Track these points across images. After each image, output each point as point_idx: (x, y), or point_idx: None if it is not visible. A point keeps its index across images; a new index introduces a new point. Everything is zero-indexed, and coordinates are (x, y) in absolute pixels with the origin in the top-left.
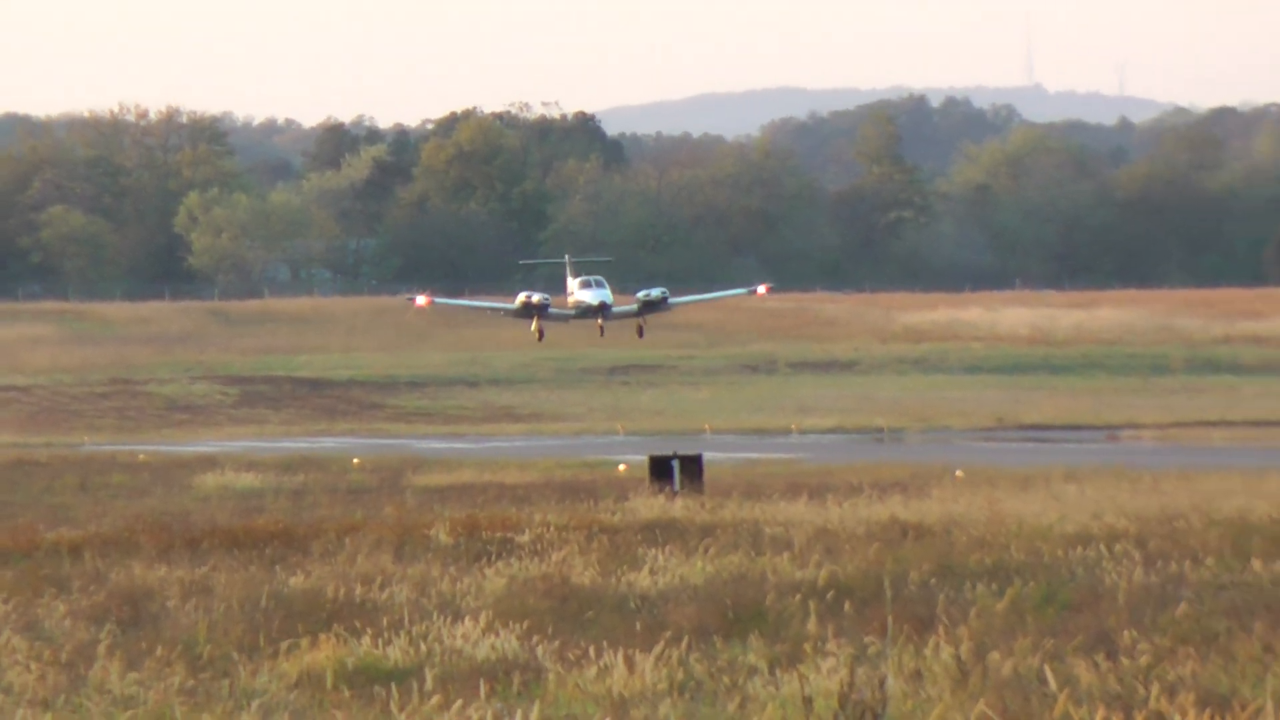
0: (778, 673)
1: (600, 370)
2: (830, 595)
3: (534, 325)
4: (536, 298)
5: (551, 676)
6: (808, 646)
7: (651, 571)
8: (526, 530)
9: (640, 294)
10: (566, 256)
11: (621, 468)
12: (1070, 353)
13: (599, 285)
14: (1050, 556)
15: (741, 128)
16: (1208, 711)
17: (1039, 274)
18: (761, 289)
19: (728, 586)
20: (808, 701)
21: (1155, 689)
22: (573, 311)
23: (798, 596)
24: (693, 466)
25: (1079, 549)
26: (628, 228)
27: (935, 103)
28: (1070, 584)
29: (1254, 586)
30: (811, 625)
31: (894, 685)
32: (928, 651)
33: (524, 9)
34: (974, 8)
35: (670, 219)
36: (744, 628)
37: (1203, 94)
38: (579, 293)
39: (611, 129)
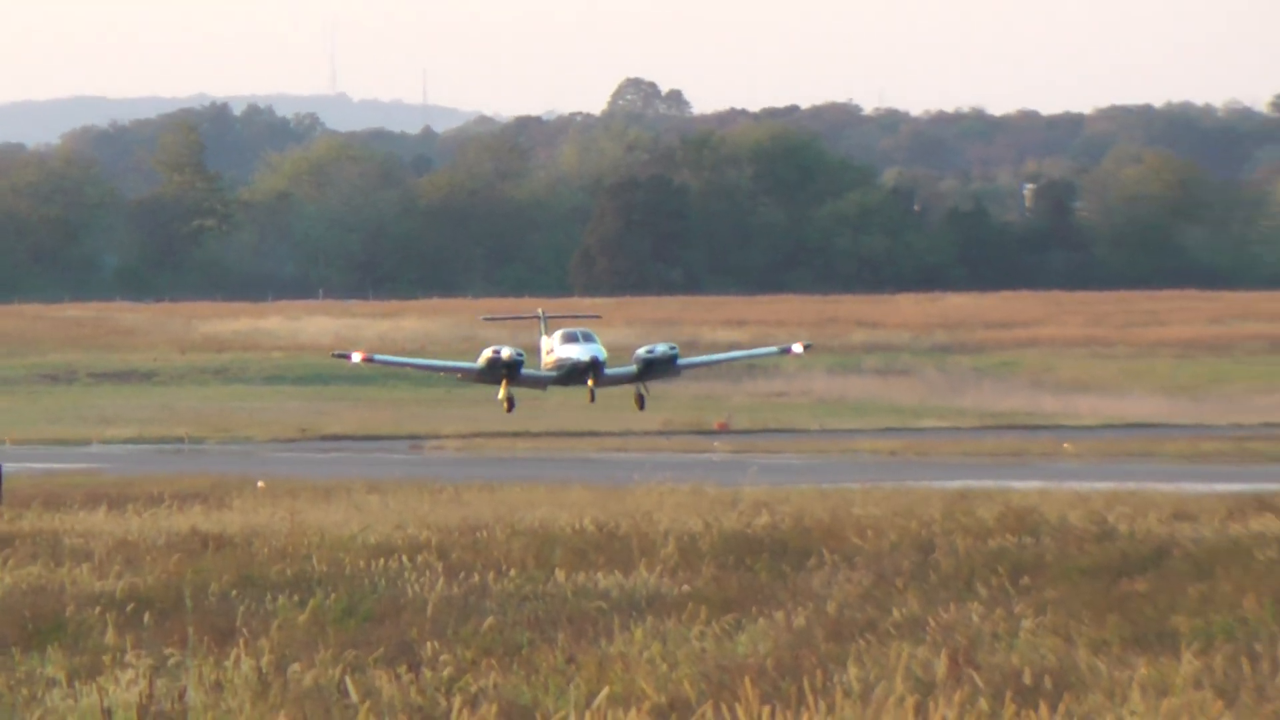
0: (77, 684)
1: None
2: (130, 607)
3: (502, 392)
4: (506, 353)
5: None
6: (107, 658)
7: None
8: None
9: (641, 351)
10: (540, 311)
11: None
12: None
13: (588, 339)
14: (352, 567)
15: (43, 136)
16: None
17: (343, 283)
18: (797, 347)
19: (26, 598)
20: (107, 713)
21: (458, 701)
22: (554, 373)
23: (97, 608)
24: None
25: (381, 560)
26: None
27: (238, 111)
28: (372, 595)
29: (557, 597)
30: (110, 637)
31: (194, 697)
32: (229, 663)
33: None
34: (276, 15)
35: None
36: (43, 639)
37: (507, 103)
38: (562, 348)
39: None
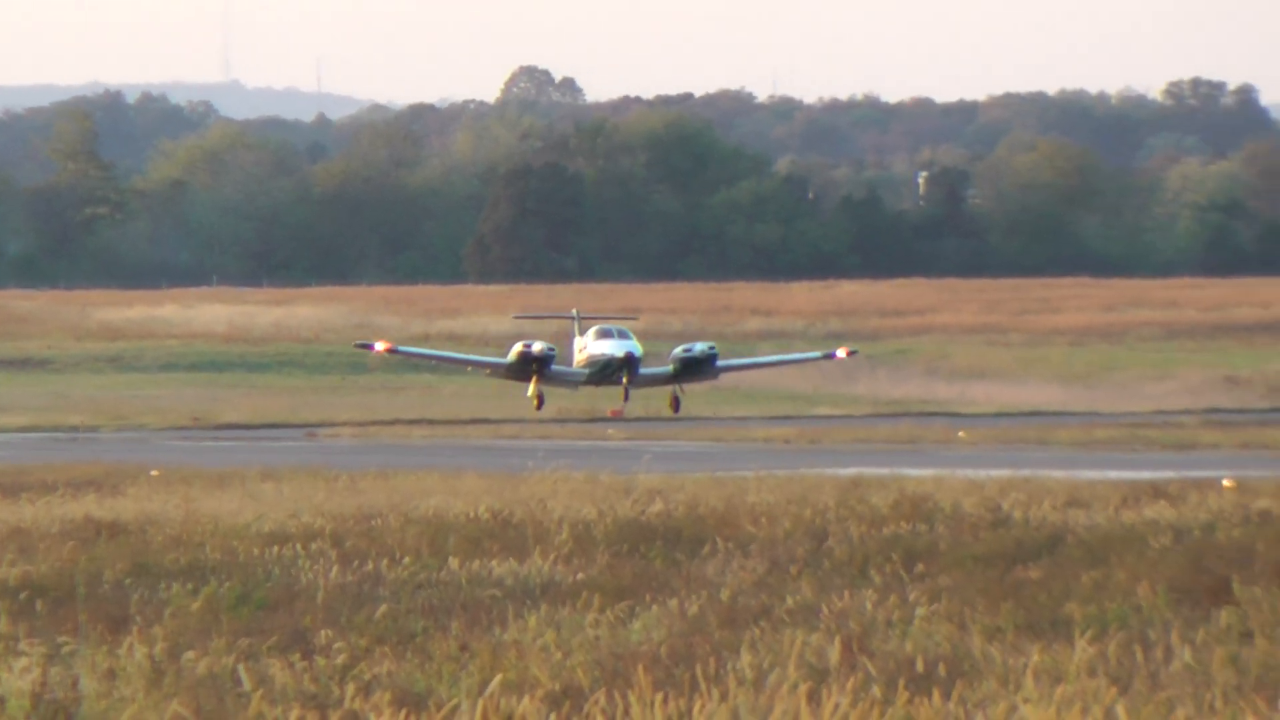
0: None
1: None
2: (23, 595)
3: (531, 389)
4: (538, 348)
5: None
6: (0, 646)
7: None
8: None
9: (679, 350)
10: (574, 311)
11: None
12: (268, 350)
13: (623, 336)
14: (246, 555)
15: None
16: (404, 710)
17: (237, 271)
18: (841, 352)
19: None
20: (1, 702)
21: (351, 688)
22: (585, 370)
23: None
24: None
25: (276, 548)
26: None
27: (132, 99)
28: (266, 583)
29: (451, 585)
30: (3, 625)
31: (88, 685)
32: (122, 651)
33: None
34: (169, 3)
35: None
36: None
37: (401, 90)
38: (595, 345)
39: None
